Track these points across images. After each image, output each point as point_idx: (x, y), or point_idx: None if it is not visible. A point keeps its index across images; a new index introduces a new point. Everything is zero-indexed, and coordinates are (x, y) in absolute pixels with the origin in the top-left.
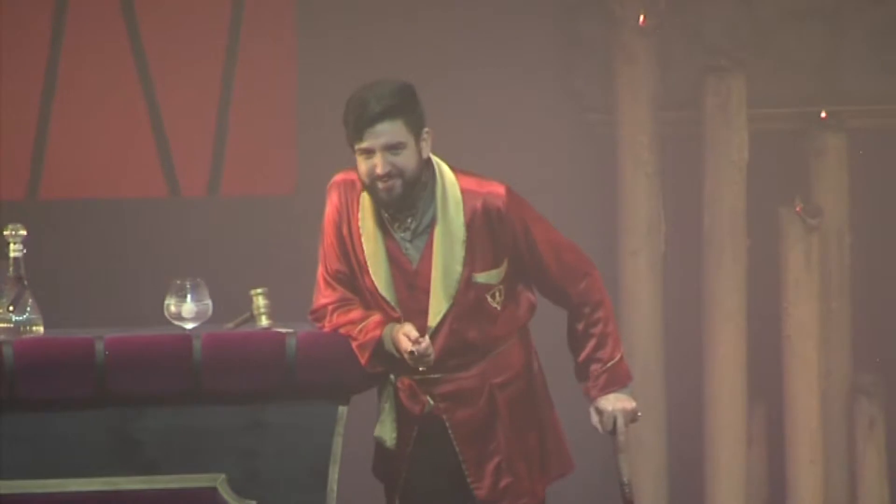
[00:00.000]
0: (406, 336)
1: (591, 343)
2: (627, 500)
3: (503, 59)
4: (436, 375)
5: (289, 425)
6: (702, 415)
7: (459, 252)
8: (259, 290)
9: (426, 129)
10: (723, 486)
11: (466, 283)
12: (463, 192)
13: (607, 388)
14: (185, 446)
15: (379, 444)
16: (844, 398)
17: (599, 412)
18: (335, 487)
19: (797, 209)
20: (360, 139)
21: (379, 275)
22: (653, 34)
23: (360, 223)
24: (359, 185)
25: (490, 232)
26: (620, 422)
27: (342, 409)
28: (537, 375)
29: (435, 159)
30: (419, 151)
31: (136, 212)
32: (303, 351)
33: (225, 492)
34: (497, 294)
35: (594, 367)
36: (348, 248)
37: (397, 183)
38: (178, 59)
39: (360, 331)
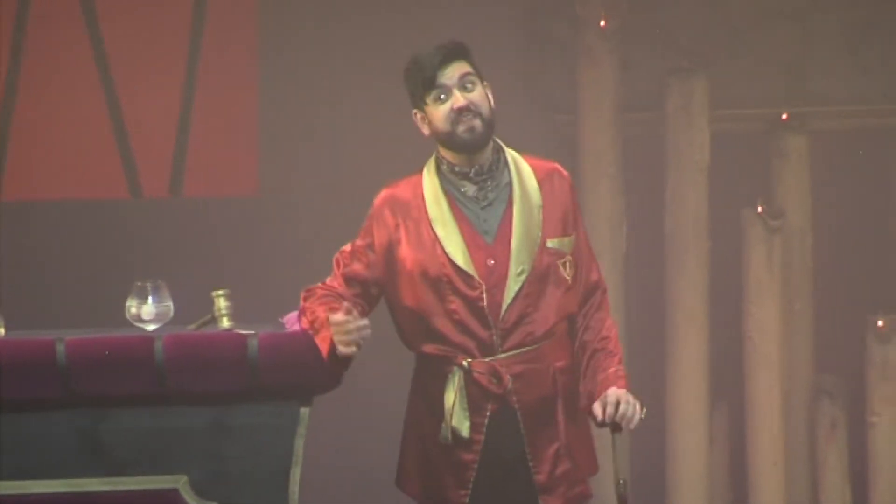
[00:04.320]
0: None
1: (611, 357)
2: (623, 499)
3: None
4: (511, 352)
5: (251, 426)
6: (664, 415)
7: (538, 217)
8: (221, 292)
9: (486, 83)
10: (685, 487)
11: (541, 249)
12: (529, 162)
13: (617, 383)
14: (148, 448)
15: (443, 439)
16: (806, 399)
17: (613, 399)
18: (296, 489)
19: (759, 210)
20: (434, 81)
21: (457, 253)
22: (615, 36)
23: (428, 210)
24: (412, 181)
25: (560, 200)
26: (638, 408)
27: (304, 411)
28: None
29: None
30: (488, 97)
31: (98, 213)
32: (264, 352)
33: (186, 493)
34: (567, 265)
35: (610, 370)
36: (396, 247)
37: (476, 122)
38: (139, 60)
39: (322, 323)
